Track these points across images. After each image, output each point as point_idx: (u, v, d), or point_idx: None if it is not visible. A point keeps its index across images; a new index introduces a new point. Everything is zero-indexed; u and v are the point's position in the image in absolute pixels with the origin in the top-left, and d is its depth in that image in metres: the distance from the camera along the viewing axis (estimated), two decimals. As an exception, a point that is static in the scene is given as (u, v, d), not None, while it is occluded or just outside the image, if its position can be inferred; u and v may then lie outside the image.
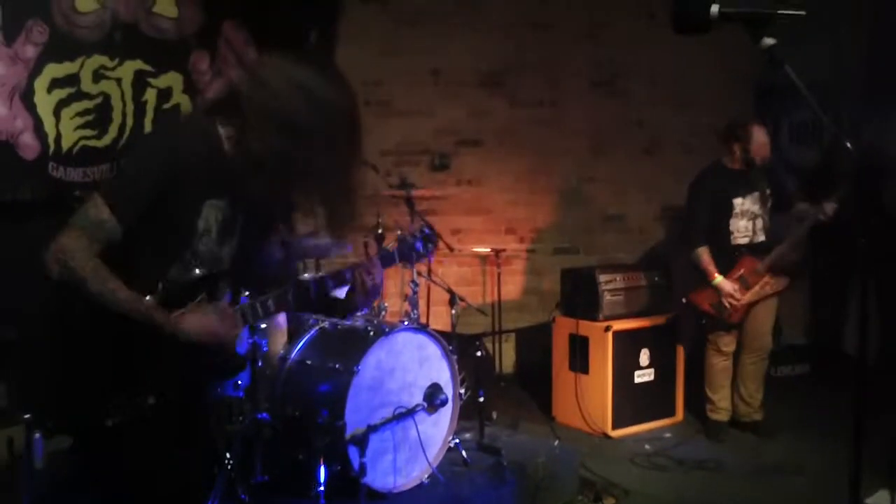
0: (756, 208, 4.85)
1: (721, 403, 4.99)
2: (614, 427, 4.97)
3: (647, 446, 4.79)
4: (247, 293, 2.38)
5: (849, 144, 1.52)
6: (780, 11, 1.44)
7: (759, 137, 4.75)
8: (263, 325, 3.95)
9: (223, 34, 5.12)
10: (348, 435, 3.49)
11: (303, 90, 1.97)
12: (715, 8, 1.49)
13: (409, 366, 3.79)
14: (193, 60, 4.96)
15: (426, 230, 2.79)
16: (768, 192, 4.87)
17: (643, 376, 5.12)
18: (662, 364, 5.18)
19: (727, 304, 4.75)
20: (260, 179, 2.04)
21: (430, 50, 6.13)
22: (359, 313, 4.00)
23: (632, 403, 5.04)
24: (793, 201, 4.88)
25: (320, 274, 2.44)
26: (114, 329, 2.01)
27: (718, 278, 4.74)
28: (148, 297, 2.05)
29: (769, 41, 1.45)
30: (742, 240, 4.83)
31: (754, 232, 4.84)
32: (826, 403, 5.34)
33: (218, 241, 2.21)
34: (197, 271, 2.18)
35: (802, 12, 1.45)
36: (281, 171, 2.03)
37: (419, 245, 2.72)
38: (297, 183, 2.11)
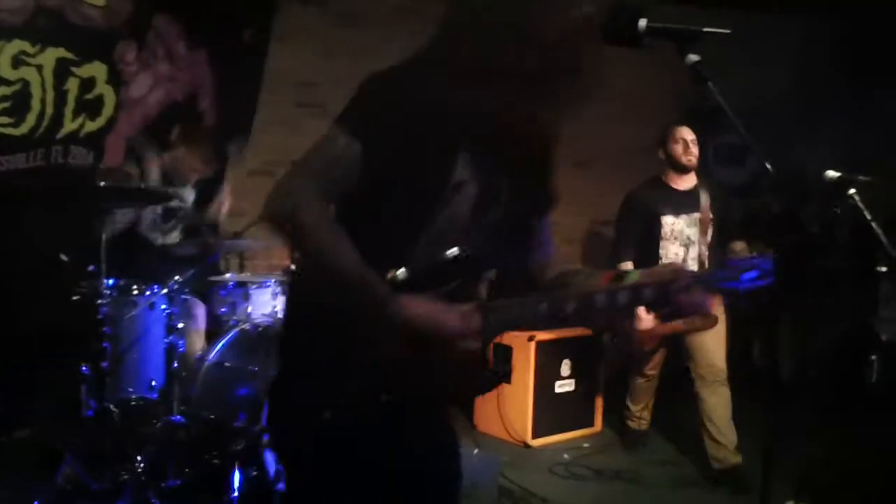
0: (692, 232, 4.34)
1: (641, 413, 4.96)
2: (534, 436, 5.00)
3: (565, 455, 4.82)
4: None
5: (769, 165, 1.54)
6: (706, 28, 1.47)
7: (678, 134, 4.36)
8: (181, 325, 3.87)
9: (154, 26, 4.98)
10: (265, 440, 3.42)
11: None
12: (643, 22, 1.51)
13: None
14: (119, 51, 4.81)
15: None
16: (711, 217, 4.35)
17: (564, 386, 5.16)
18: (583, 375, 5.23)
19: (631, 331, 4.37)
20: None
21: (368, 53, 6.07)
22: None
23: (552, 413, 5.08)
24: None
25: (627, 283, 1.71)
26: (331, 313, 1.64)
27: None
28: (401, 271, 1.64)
29: (694, 58, 1.47)
30: None
31: (685, 261, 4.31)
32: (742, 415, 5.46)
33: (474, 208, 1.72)
34: (452, 249, 1.66)
35: (728, 30, 1.48)
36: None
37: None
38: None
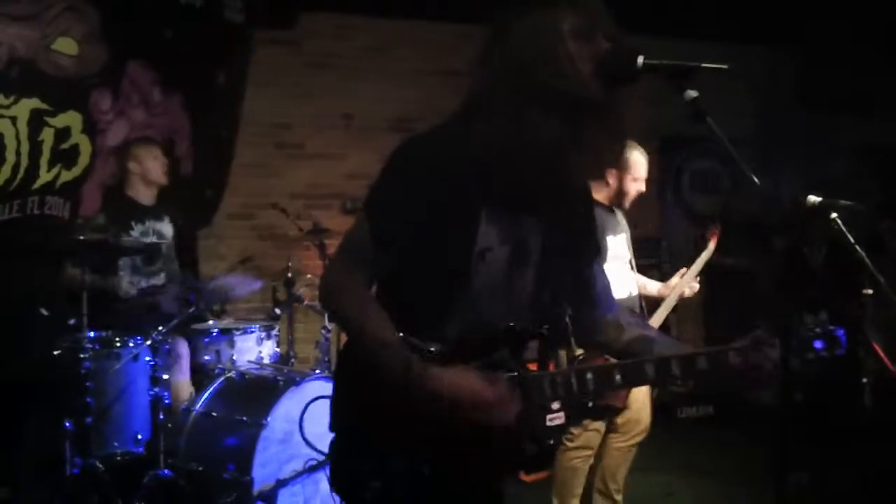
0: (624, 252, 3.72)
1: None
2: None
3: None
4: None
5: (756, 179, 1.52)
6: (703, 64, 1.47)
7: (638, 171, 3.65)
8: (165, 376, 3.80)
9: (127, 74, 4.95)
10: (256, 490, 3.36)
11: None
12: (641, 58, 1.51)
13: (321, 415, 3.68)
14: (94, 100, 4.77)
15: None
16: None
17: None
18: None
19: None
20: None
21: (340, 94, 6.09)
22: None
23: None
24: None
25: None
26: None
27: None
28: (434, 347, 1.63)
29: (692, 93, 1.47)
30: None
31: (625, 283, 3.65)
32: (729, 445, 5.43)
33: (507, 269, 1.68)
34: (490, 320, 1.64)
35: (725, 66, 1.48)
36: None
37: None
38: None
